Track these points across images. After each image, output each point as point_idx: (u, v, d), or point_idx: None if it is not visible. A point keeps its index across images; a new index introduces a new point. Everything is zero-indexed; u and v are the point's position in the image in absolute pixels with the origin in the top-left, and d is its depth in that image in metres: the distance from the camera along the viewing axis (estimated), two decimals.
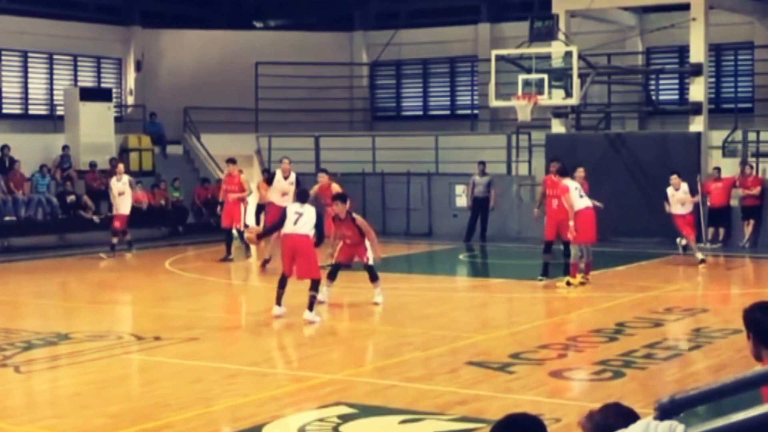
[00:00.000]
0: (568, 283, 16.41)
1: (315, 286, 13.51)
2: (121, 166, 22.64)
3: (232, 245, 20.70)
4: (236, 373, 10.77)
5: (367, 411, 8.87)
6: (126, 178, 22.02)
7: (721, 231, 22.47)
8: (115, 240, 21.57)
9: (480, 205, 24.08)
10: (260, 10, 31.84)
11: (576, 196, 16.55)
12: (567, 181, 16.70)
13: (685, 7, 23.27)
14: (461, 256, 22.56)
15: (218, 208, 22.27)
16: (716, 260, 20.78)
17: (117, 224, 21.61)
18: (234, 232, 21.01)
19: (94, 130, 25.42)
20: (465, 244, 23.75)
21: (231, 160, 21.32)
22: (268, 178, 21.21)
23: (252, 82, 28.25)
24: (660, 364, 10.97)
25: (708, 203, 22.36)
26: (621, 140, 23.94)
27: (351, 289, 16.57)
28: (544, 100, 21.47)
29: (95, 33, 28.33)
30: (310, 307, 13.35)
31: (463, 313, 15.16)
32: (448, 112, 30.33)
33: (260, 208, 26.71)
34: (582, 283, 16.50)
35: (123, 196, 21.64)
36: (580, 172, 17.92)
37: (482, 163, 24.11)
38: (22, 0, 26.76)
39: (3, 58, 26.61)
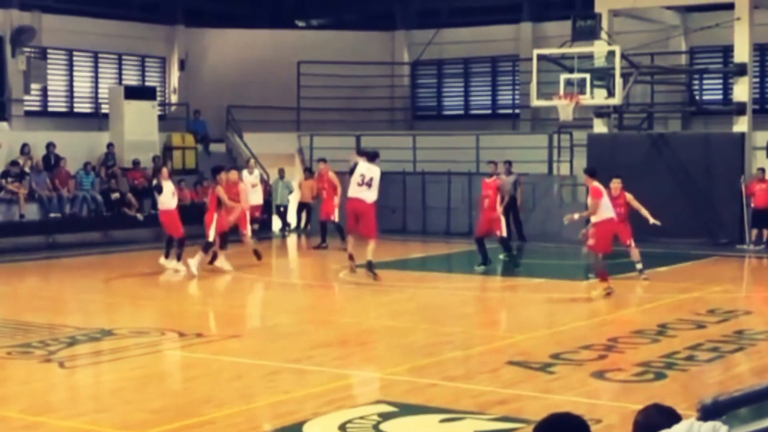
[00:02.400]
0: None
1: (180, 243, 18.30)
2: (252, 161, 23.62)
3: (327, 235, 22.57)
4: (277, 371, 10.83)
5: (407, 409, 8.88)
6: (257, 171, 23.21)
7: (765, 232, 22.25)
8: (255, 227, 22.23)
9: (507, 204, 23.89)
10: (302, 9, 31.97)
11: (607, 203, 15.78)
12: (598, 184, 15.82)
13: (730, 7, 23.06)
14: (501, 256, 22.50)
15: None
16: (760, 262, 20.57)
17: (256, 213, 22.31)
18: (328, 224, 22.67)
19: (138, 128, 25.63)
20: (504, 244, 23.60)
21: (321, 159, 23.04)
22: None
23: (294, 81, 28.36)
24: (702, 366, 10.89)
25: (752, 204, 22.18)
26: (664, 140, 23.77)
27: (386, 287, 16.60)
28: (586, 99, 21.39)
29: (139, 32, 28.60)
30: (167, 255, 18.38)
31: (502, 313, 15.14)
32: (489, 112, 30.26)
33: (302, 206, 26.88)
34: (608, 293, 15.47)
35: (255, 188, 22.41)
36: (616, 183, 17.51)
37: (508, 162, 23.92)
38: None
39: (49, 56, 26.92)
